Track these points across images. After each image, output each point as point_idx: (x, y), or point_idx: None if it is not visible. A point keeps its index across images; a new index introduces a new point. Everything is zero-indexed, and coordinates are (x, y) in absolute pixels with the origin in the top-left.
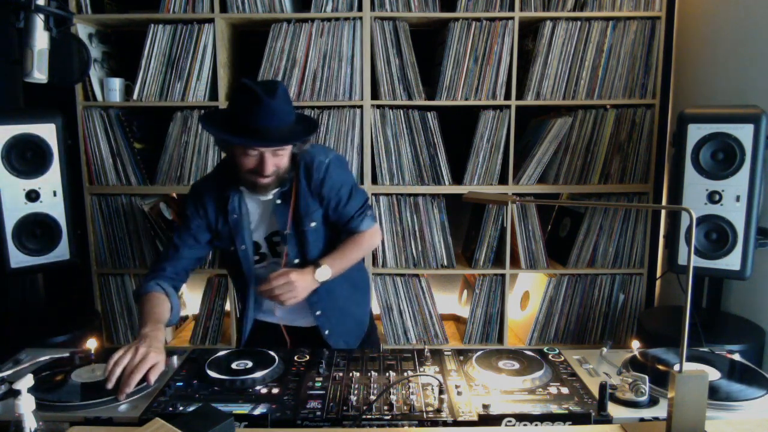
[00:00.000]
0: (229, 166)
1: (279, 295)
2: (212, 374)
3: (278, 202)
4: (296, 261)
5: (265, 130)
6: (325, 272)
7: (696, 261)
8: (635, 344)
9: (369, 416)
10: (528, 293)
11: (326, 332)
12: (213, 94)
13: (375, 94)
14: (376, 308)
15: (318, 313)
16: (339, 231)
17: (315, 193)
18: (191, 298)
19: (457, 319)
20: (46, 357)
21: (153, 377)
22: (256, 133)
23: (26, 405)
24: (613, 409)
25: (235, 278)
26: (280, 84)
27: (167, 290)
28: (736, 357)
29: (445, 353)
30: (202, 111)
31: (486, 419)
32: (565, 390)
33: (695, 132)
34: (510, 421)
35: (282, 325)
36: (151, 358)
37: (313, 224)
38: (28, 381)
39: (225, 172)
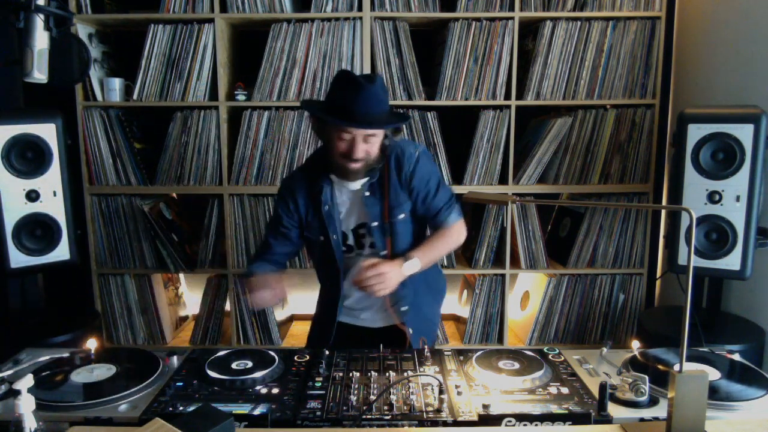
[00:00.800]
0: (319, 157)
1: (370, 285)
2: (212, 374)
3: (367, 194)
4: (383, 252)
5: (361, 114)
6: (413, 264)
7: (696, 261)
8: (635, 344)
9: (369, 416)
10: (528, 293)
11: (410, 330)
12: (213, 94)
13: None
14: None
15: (404, 308)
16: (425, 225)
17: (405, 184)
18: (191, 297)
19: (457, 319)
20: (46, 357)
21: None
22: (352, 114)
23: (26, 405)
24: (613, 409)
25: (326, 271)
26: (378, 75)
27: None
28: (736, 357)
29: (445, 353)
30: (202, 111)
31: (486, 419)
32: (565, 390)
33: (695, 132)
34: (510, 421)
35: (364, 327)
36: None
37: (401, 216)
38: (28, 381)
39: (315, 164)
